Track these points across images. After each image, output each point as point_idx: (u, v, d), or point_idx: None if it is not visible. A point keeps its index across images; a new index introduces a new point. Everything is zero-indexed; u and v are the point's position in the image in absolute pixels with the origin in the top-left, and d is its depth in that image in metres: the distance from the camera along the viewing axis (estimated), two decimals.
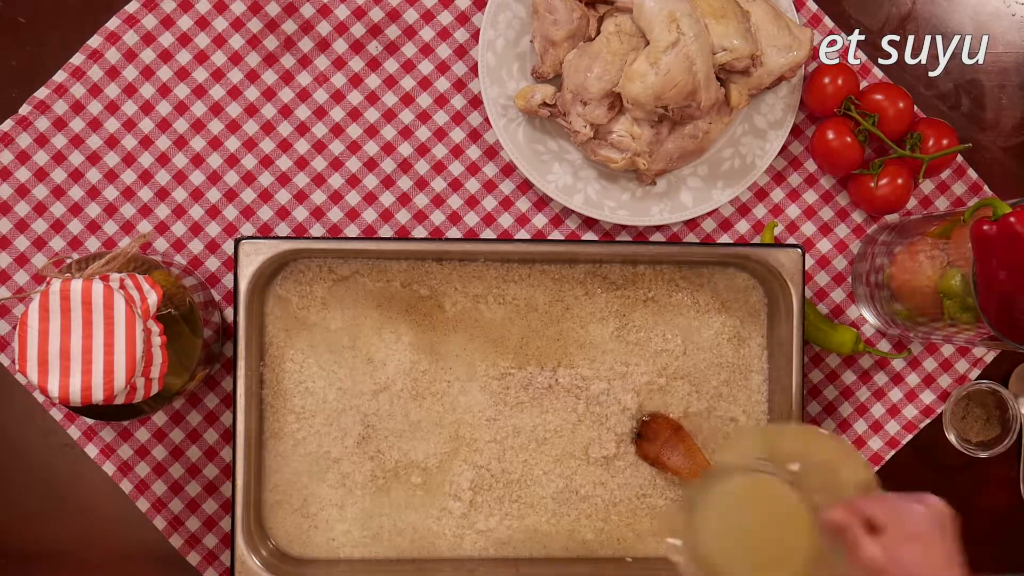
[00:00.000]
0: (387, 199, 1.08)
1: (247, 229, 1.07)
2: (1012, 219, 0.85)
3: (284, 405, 1.01)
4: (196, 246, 1.06)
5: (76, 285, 0.80)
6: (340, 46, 1.07)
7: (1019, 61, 1.11)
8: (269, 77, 1.07)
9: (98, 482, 1.05)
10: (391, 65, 1.08)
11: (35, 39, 1.06)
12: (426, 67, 1.08)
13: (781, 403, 1.02)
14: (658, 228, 1.08)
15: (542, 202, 1.08)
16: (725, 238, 1.09)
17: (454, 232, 1.08)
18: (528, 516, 1.02)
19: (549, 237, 1.08)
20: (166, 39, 1.06)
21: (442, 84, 1.08)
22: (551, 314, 1.03)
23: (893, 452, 1.09)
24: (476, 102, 1.08)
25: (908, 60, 1.10)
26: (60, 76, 1.05)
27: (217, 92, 1.06)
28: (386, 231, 1.07)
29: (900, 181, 1.04)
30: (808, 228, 1.09)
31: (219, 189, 1.06)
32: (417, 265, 1.02)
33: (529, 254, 1.02)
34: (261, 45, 1.07)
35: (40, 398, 1.05)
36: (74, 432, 1.05)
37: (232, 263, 0.98)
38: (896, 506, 0.75)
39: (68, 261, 0.84)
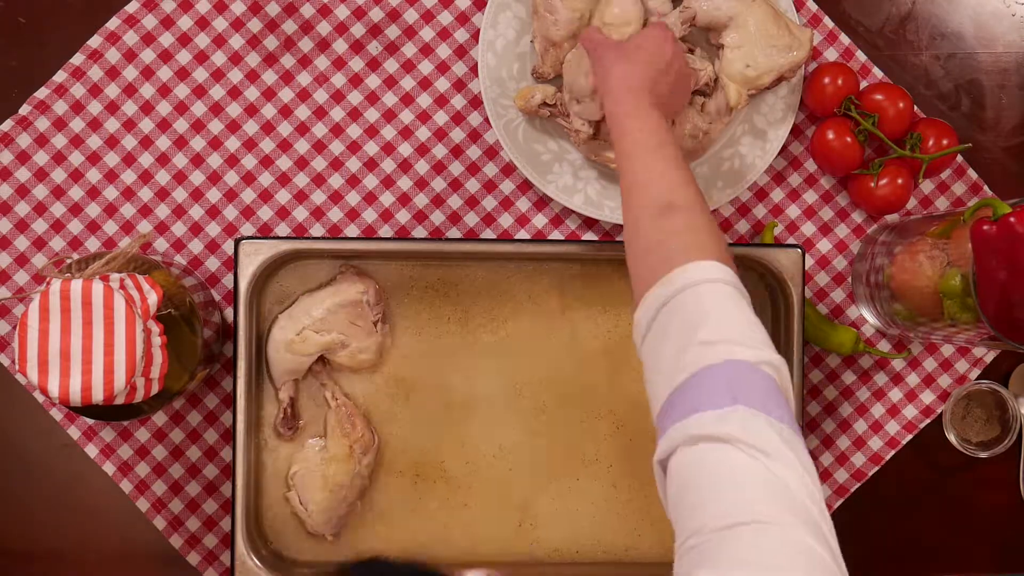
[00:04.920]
0: (387, 199, 1.08)
1: (247, 229, 1.07)
2: (1012, 219, 0.85)
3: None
4: (196, 246, 1.06)
5: (76, 285, 0.80)
6: (340, 46, 1.07)
7: (1019, 61, 1.11)
8: (269, 77, 1.07)
9: (98, 482, 1.05)
10: (391, 65, 1.08)
11: (35, 39, 1.06)
12: (426, 67, 1.08)
13: None
14: None
15: (542, 202, 1.08)
16: (725, 238, 1.09)
17: (454, 232, 1.08)
18: (521, 519, 1.02)
19: (549, 237, 1.08)
20: (166, 39, 1.06)
21: (442, 84, 1.08)
22: (548, 314, 1.03)
23: (893, 452, 1.09)
24: (476, 102, 1.08)
25: (908, 60, 1.10)
26: (60, 76, 1.05)
27: (217, 92, 1.06)
28: (386, 231, 1.07)
29: (900, 181, 1.04)
30: (808, 228, 1.09)
31: (219, 189, 1.07)
32: (417, 265, 1.02)
33: (529, 254, 1.02)
34: (261, 45, 1.07)
35: (40, 398, 1.05)
36: (74, 432, 1.05)
37: (232, 263, 0.98)
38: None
39: (68, 261, 0.84)
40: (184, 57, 1.06)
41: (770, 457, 0.63)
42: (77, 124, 1.05)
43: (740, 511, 0.61)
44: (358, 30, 1.07)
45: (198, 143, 1.06)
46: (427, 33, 1.08)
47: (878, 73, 1.09)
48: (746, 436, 0.64)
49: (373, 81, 1.07)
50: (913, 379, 1.10)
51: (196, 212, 1.06)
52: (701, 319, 0.71)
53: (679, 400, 0.69)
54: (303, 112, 1.07)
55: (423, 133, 1.08)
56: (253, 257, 0.97)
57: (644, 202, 0.79)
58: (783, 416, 0.66)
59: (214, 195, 1.07)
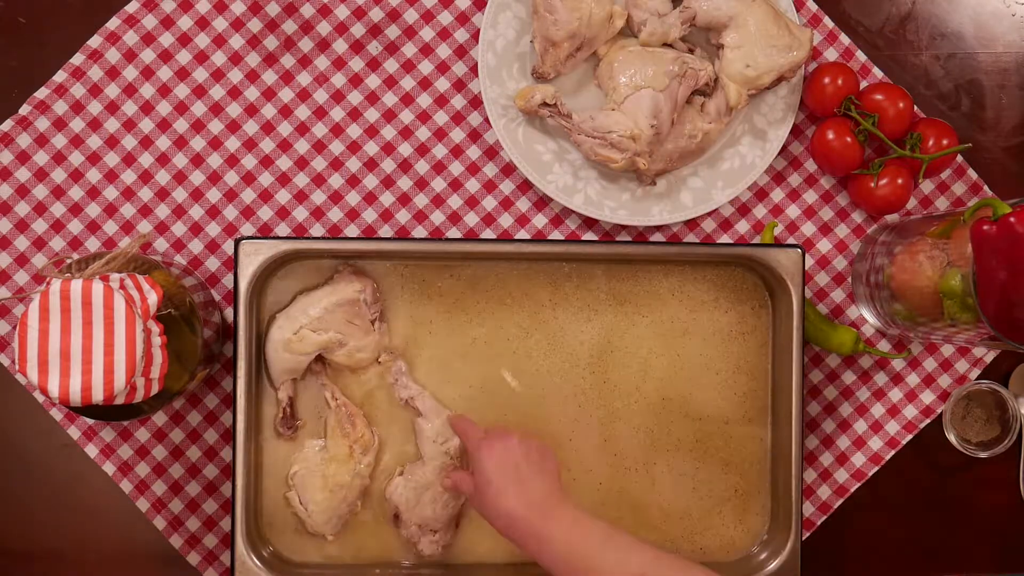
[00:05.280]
0: (387, 199, 1.08)
1: (247, 229, 1.07)
2: (1012, 219, 0.85)
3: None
4: (196, 246, 1.06)
5: (76, 285, 0.80)
6: (340, 46, 1.07)
7: (1019, 61, 1.11)
8: (269, 77, 1.07)
9: (98, 482, 1.05)
10: (391, 65, 1.08)
11: (35, 39, 1.06)
12: (426, 67, 1.08)
13: (781, 403, 1.02)
14: (658, 228, 1.08)
15: (542, 202, 1.08)
16: (725, 238, 1.09)
17: (454, 232, 1.08)
18: None
19: (549, 237, 1.08)
20: (166, 39, 1.06)
21: (442, 84, 1.08)
22: (548, 313, 1.03)
23: (893, 452, 1.09)
24: (476, 102, 1.08)
25: (908, 60, 1.10)
26: (60, 76, 1.05)
27: (217, 92, 1.06)
28: (386, 231, 1.07)
29: (900, 181, 1.04)
30: (808, 228, 1.10)
31: (219, 189, 1.07)
32: (417, 265, 1.02)
33: (529, 254, 1.02)
34: (261, 45, 1.07)
35: (40, 398, 1.05)
36: (74, 432, 1.05)
37: (232, 263, 0.98)
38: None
39: (68, 261, 0.84)
40: (184, 57, 1.06)
41: None
42: (77, 124, 1.05)
43: None
44: (358, 30, 1.07)
45: (198, 143, 1.06)
46: (427, 33, 1.08)
47: (878, 73, 1.09)
48: None
49: (373, 81, 1.07)
50: (913, 379, 1.10)
51: (196, 212, 1.06)
52: None
53: None
54: (303, 112, 1.07)
55: (423, 133, 1.08)
56: (253, 257, 0.97)
57: None
58: None
59: (214, 195, 1.07)
